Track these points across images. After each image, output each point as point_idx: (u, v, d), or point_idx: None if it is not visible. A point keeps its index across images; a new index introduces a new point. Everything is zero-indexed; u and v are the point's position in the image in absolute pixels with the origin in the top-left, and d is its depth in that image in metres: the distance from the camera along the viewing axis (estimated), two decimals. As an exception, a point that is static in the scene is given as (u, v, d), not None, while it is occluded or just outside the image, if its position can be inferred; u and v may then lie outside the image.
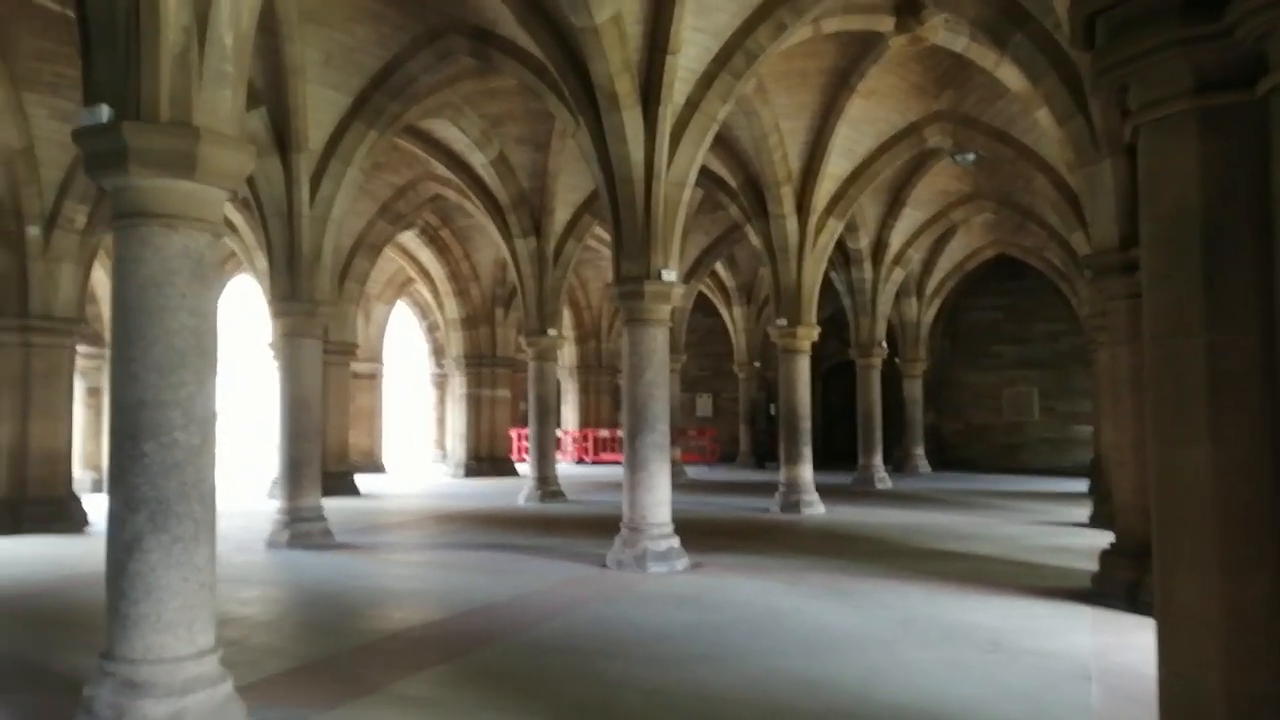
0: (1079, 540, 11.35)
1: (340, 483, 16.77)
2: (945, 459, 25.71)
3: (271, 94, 10.46)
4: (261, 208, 10.89)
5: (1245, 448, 2.71)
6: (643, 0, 8.71)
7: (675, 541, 9.24)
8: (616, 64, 8.73)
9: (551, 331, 15.40)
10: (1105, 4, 2.95)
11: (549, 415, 15.58)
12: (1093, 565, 9.23)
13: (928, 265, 22.40)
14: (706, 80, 9.22)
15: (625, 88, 8.84)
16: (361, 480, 19.83)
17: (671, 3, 8.61)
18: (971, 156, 15.33)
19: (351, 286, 17.48)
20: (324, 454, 16.74)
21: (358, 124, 10.91)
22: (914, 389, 23.83)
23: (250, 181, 10.83)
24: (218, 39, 4.59)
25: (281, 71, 10.28)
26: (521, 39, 9.74)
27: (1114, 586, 7.59)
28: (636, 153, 9.03)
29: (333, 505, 14.64)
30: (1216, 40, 2.75)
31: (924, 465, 23.84)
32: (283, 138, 10.62)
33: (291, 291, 10.84)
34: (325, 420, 16.80)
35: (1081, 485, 19.13)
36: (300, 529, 10.55)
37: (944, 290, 23.59)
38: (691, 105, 9.22)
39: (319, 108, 10.72)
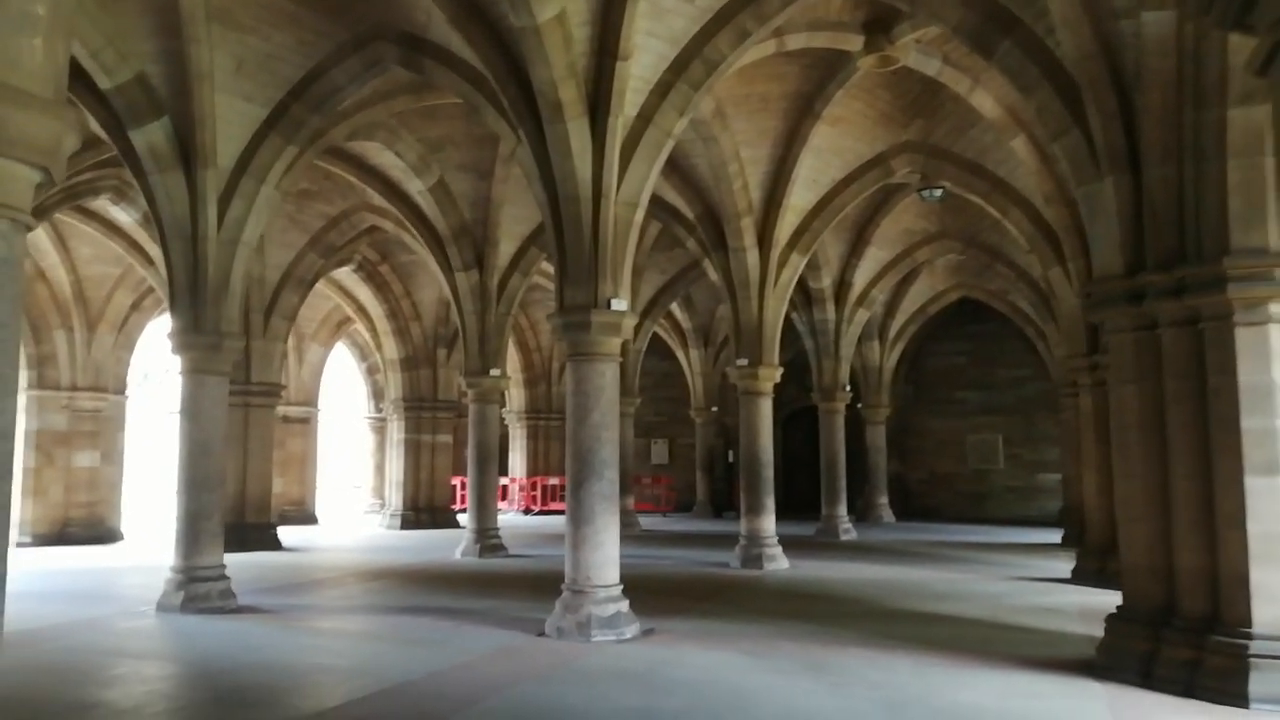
0: (1066, 599, 10.43)
1: (261, 535, 15.37)
2: (909, 508, 24.83)
3: (175, 103, 9.37)
4: (162, 229, 9.75)
5: None
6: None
7: (624, 605, 8.11)
8: (560, 69, 7.80)
9: (494, 372, 14.28)
10: None
11: (490, 462, 14.39)
12: (1088, 628, 8.35)
13: (890, 308, 21.70)
14: (661, 90, 8.31)
15: (570, 96, 7.90)
16: (290, 532, 18.42)
17: (622, 3, 7.71)
18: (939, 193, 14.65)
19: (278, 323, 16.23)
20: (243, 504, 15.48)
21: (274, 138, 9.83)
22: (877, 436, 22.96)
23: (151, 200, 9.73)
24: (25, -29, 3.52)
25: (186, 78, 9.20)
26: (456, 44, 8.78)
27: (1125, 658, 6.61)
28: (583, 169, 8.07)
29: (248, 560, 13.33)
30: None
31: (888, 515, 22.92)
32: (188, 151, 9.52)
33: (195, 323, 9.66)
34: (245, 467, 15.55)
35: (1050, 535, 18.32)
36: (196, 590, 9.25)
37: (906, 334, 22.88)
38: (644, 118, 8.29)
39: (229, 119, 9.63)
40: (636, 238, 8.51)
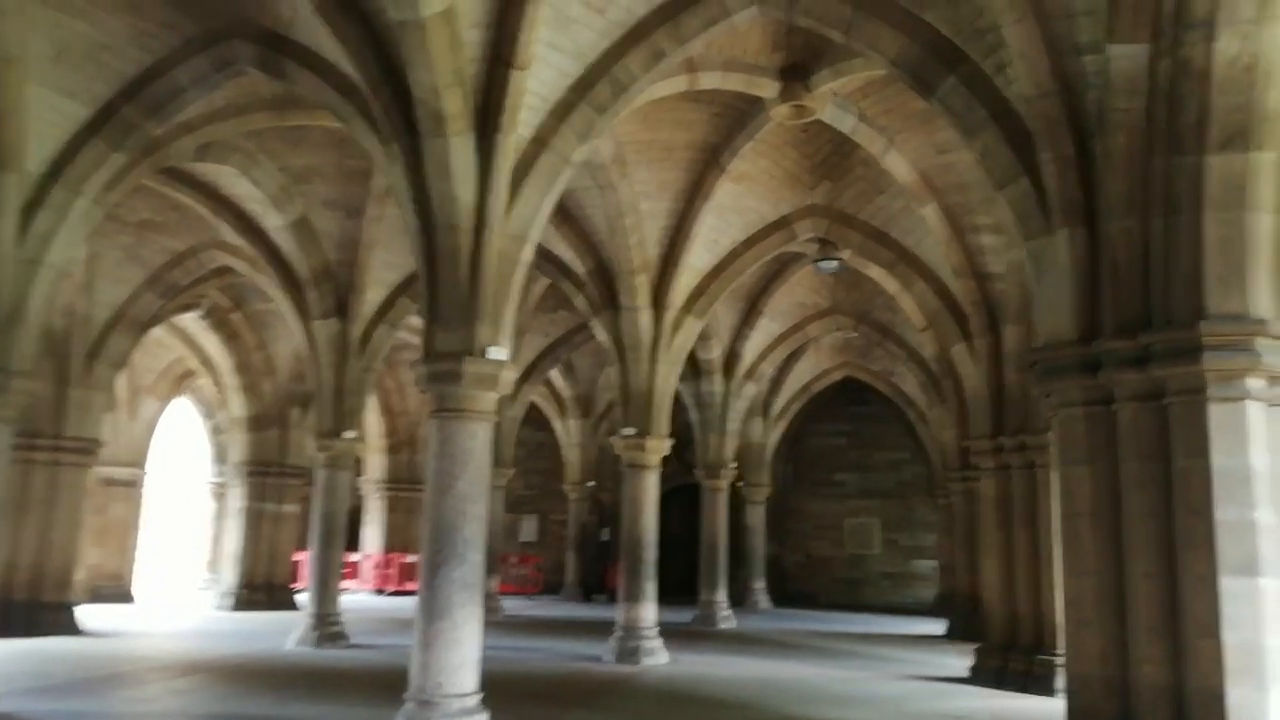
0: (972, 703, 9.53)
1: (56, 618, 12.93)
2: (785, 593, 23.97)
3: (-27, 89, 7.79)
4: (-54, 240, 8.02)
5: None
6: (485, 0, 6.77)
7: (483, 719, 6.71)
8: (445, 74, 6.67)
9: (349, 434, 12.66)
10: None
11: (336, 536, 12.63)
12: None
13: (775, 384, 21.10)
14: (561, 111, 7.28)
15: (455, 107, 6.77)
16: (102, 612, 16.01)
17: (521, 4, 6.69)
18: (835, 264, 14.09)
19: (103, 370, 14.17)
20: (40, 579, 13.19)
21: (97, 143, 8.33)
22: (756, 516, 22.15)
23: (-65, 204, 8.02)
24: None
25: (-12, 59, 7.66)
26: (324, 45, 7.56)
27: (1075, 789, 5.66)
28: (465, 193, 6.91)
29: (32, 649, 11.23)
30: None
31: (764, 601, 21.98)
32: (-15, 148, 7.91)
33: (-25, 355, 7.91)
34: (47, 536, 13.33)
35: (931, 626, 17.73)
36: (-59, 693, 7.32)
37: (790, 412, 22.34)
38: (540, 141, 7.23)
39: (43, 116, 8.12)
40: (523, 279, 7.35)
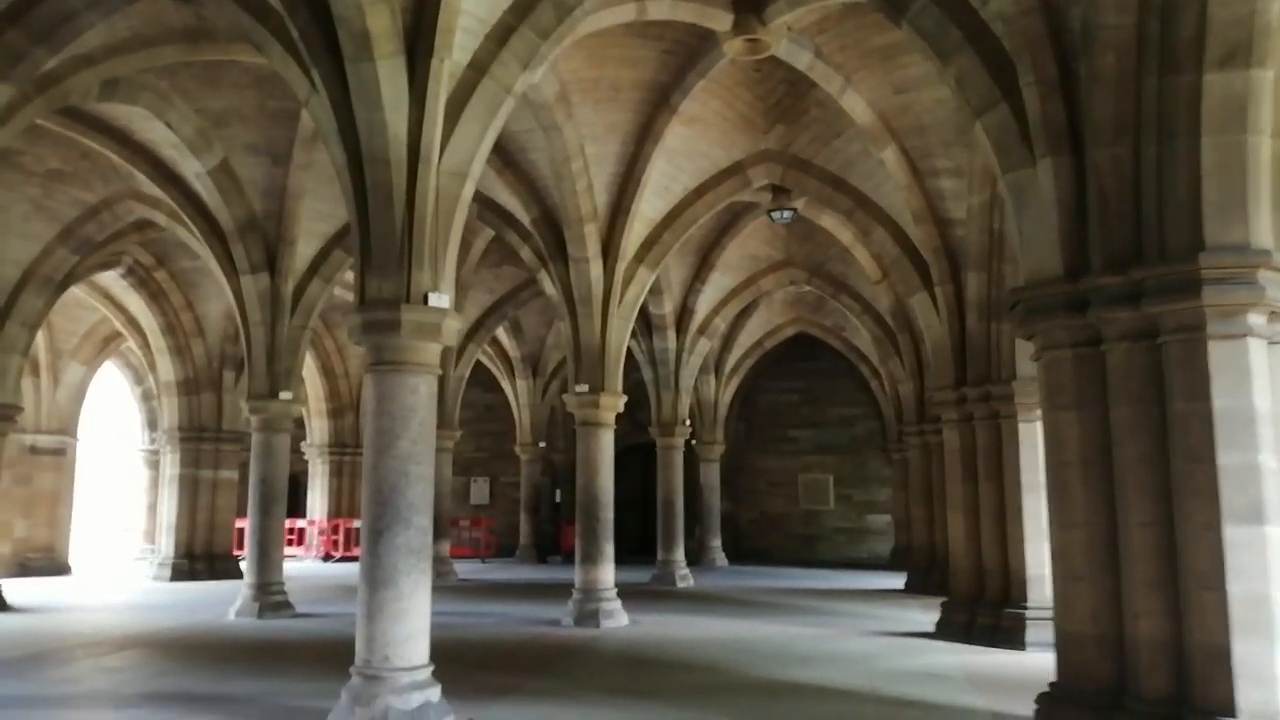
0: (942, 659, 9.26)
1: (-22, 593, 12.26)
2: (740, 550, 23.83)
3: None
4: None
5: None
6: (412, -91, 6.08)
7: (434, 693, 6.21)
8: (371, -11, 6.00)
9: (284, 395, 11.95)
10: None
11: (275, 502, 11.95)
12: (987, 701, 7.25)
13: (727, 341, 20.73)
14: (500, 35, 6.62)
15: (382, 26, 6.10)
16: (31, 585, 15.28)
17: (453, -87, 6.03)
18: (789, 215, 13.64)
19: (16, 331, 13.21)
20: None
21: (-18, 73, 7.50)
22: (710, 474, 21.85)
23: None
24: None
25: None
26: (235, -39, 6.81)
27: (1065, 751, 5.35)
28: (397, 123, 6.26)
29: (-54, 629, 10.45)
30: None
31: (721, 558, 21.80)
32: None
33: None
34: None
35: (888, 579, 17.67)
36: None
37: (742, 369, 22.01)
38: (478, 68, 6.58)
39: (-82, 43, 7.25)
40: (463, 220, 6.74)
